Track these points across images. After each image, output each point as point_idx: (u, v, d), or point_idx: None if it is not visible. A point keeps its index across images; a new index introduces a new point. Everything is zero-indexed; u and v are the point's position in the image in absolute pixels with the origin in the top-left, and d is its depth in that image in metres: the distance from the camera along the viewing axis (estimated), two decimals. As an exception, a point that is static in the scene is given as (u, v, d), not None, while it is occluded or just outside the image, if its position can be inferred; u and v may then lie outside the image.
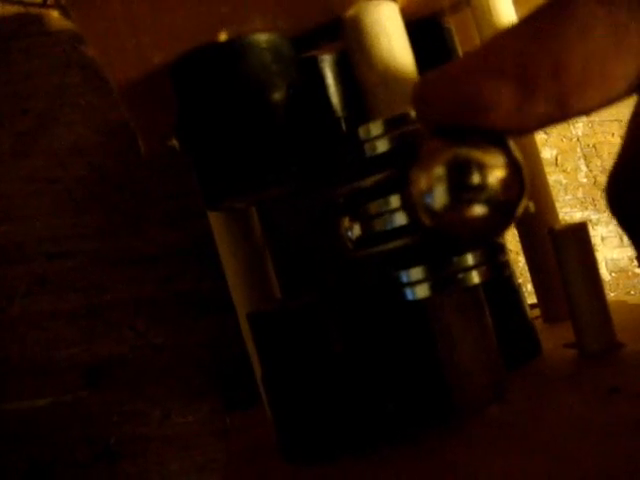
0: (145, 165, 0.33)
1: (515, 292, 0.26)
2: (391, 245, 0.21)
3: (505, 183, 0.18)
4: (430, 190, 0.18)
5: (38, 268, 0.32)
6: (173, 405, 0.32)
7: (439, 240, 0.21)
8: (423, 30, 0.25)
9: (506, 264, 0.22)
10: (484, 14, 0.23)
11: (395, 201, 0.21)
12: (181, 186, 0.33)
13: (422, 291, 0.21)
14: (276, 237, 0.28)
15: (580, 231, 0.23)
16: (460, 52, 0.26)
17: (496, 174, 0.17)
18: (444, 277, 0.21)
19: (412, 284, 0.21)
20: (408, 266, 0.21)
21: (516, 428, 0.20)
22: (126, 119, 0.27)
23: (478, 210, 0.18)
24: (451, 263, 0.21)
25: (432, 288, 0.21)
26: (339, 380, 0.21)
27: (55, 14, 0.34)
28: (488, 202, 0.18)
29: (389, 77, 0.22)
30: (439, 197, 0.18)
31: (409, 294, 0.21)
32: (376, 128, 0.21)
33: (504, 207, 0.18)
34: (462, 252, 0.21)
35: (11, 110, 0.33)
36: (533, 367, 0.24)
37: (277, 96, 0.21)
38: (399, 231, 0.21)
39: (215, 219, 0.28)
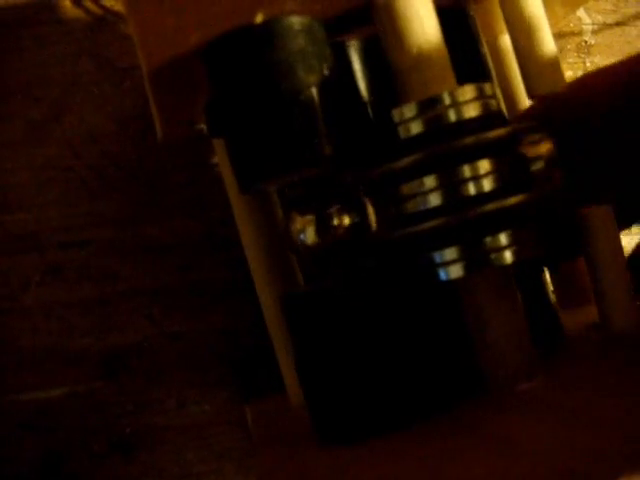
0: (160, 153, 0.33)
1: (538, 274, 0.26)
2: (424, 226, 0.21)
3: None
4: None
5: (52, 257, 0.32)
6: (189, 394, 0.32)
7: (471, 221, 0.21)
8: (447, 17, 0.25)
9: (537, 244, 0.22)
10: (513, 2, 0.24)
11: (428, 182, 0.21)
12: (196, 174, 0.33)
13: (455, 271, 0.21)
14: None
15: (606, 213, 0.23)
16: (483, 40, 0.26)
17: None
18: (477, 257, 0.21)
19: (445, 264, 0.21)
20: (441, 247, 0.21)
21: (553, 403, 0.20)
22: (149, 103, 0.27)
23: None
24: (484, 243, 0.21)
25: (465, 268, 0.21)
26: (373, 360, 0.21)
27: (67, 2, 0.34)
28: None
29: (422, 61, 0.22)
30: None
31: (442, 274, 0.21)
32: (409, 110, 0.21)
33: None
34: (495, 232, 0.21)
35: (23, 99, 0.33)
36: (559, 349, 0.25)
37: (313, 78, 0.21)
38: (432, 212, 0.21)
39: (237, 204, 0.28)
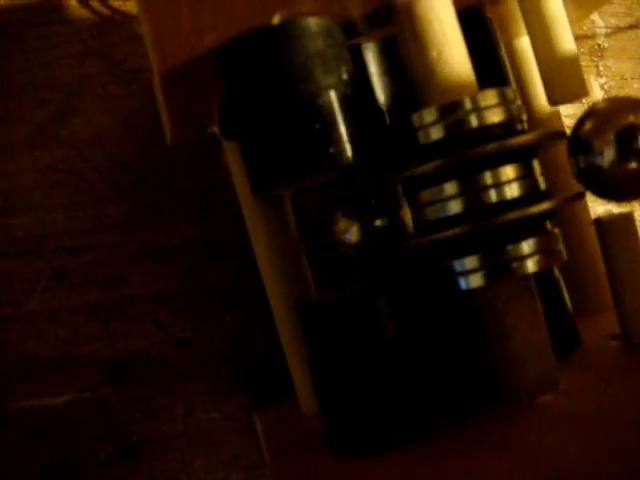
0: (168, 157, 0.32)
1: (556, 283, 0.26)
2: (445, 234, 0.21)
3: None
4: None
5: (57, 261, 0.32)
6: (197, 401, 0.32)
7: (493, 229, 0.21)
8: (465, 20, 0.25)
9: (559, 253, 0.22)
10: (532, 4, 0.23)
11: (449, 189, 0.21)
12: (204, 178, 0.33)
13: (476, 280, 0.21)
14: (310, 229, 0.28)
15: (627, 221, 0.23)
16: (501, 43, 0.26)
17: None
18: (498, 266, 0.21)
19: (466, 273, 0.21)
20: (462, 255, 0.21)
21: (573, 414, 0.19)
22: (156, 105, 0.27)
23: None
24: (505, 252, 0.21)
25: (486, 277, 0.21)
26: (391, 369, 0.21)
27: (73, 2, 0.33)
28: None
29: (442, 65, 0.21)
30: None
31: (463, 283, 0.21)
32: (429, 115, 0.21)
33: None
34: (517, 241, 0.21)
35: (29, 100, 0.32)
36: (578, 359, 0.24)
37: (331, 81, 0.21)
38: (453, 219, 0.21)
39: (248, 208, 0.27)
